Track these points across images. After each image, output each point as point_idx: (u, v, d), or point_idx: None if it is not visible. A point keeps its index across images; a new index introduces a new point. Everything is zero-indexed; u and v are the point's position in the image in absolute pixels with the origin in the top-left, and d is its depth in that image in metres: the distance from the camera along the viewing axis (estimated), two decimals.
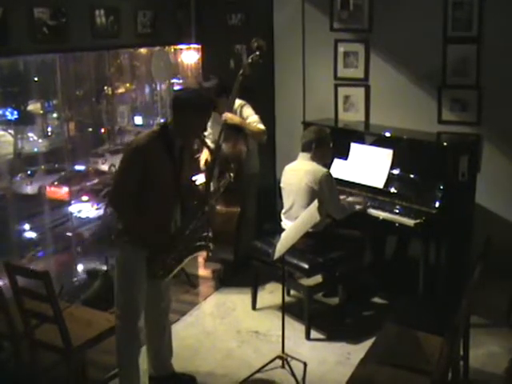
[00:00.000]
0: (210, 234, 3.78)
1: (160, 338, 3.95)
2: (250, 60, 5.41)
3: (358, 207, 4.90)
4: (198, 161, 5.37)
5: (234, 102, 5.41)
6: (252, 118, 5.41)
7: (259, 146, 5.65)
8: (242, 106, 5.47)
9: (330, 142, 4.80)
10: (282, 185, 4.91)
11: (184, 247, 3.66)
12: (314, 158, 4.72)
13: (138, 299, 3.60)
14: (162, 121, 12.96)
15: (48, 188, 9.54)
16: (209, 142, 5.60)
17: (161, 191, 3.53)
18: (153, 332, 3.88)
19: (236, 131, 5.39)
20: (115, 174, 3.60)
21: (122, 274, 3.61)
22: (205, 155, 5.48)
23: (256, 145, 5.63)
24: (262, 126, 5.40)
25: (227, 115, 5.32)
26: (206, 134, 5.71)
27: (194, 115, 3.48)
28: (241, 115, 5.44)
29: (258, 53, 5.42)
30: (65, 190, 10.33)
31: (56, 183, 10.08)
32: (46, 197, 8.62)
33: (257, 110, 5.49)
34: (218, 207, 5.38)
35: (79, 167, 10.42)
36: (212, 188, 5.59)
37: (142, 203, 3.48)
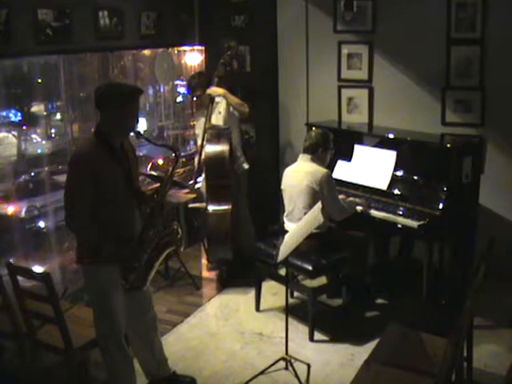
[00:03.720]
0: (176, 227, 3.64)
1: (148, 351, 3.85)
2: (222, 60, 5.57)
3: (358, 208, 4.90)
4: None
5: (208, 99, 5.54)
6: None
7: (265, 146, 5.71)
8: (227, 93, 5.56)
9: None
10: (282, 187, 4.91)
11: (151, 249, 3.49)
12: (314, 160, 4.72)
13: (119, 316, 3.51)
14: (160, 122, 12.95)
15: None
16: (199, 141, 5.68)
17: (117, 198, 3.39)
18: (140, 346, 3.80)
19: (218, 132, 5.44)
20: (66, 194, 3.35)
21: (98, 295, 3.50)
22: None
23: (239, 145, 5.76)
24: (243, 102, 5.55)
25: (211, 88, 5.47)
26: (196, 132, 5.81)
27: (118, 106, 3.33)
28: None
29: (228, 53, 5.66)
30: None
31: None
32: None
33: (260, 112, 5.54)
34: (210, 207, 5.41)
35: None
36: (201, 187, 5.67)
37: (101, 217, 3.33)
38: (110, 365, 3.59)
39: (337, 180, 4.97)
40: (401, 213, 4.79)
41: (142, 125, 12.41)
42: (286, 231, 4.59)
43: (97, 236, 3.34)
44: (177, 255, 5.64)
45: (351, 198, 4.97)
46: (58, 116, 6.74)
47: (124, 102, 3.35)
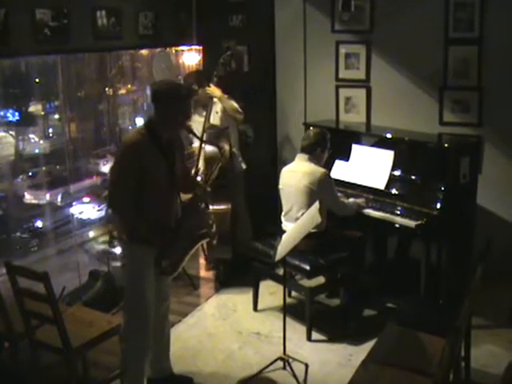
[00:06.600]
0: (212, 220, 3.79)
1: (160, 340, 3.92)
2: (221, 60, 5.58)
3: (358, 207, 4.90)
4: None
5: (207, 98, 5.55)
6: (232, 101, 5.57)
7: (261, 145, 5.71)
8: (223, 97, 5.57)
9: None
10: (280, 186, 4.91)
11: (187, 239, 3.66)
12: (312, 159, 4.72)
13: (148, 298, 3.60)
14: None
15: None
16: (196, 142, 5.67)
17: (158, 188, 3.52)
18: (154, 333, 3.82)
19: (218, 132, 5.44)
20: (111, 176, 3.60)
21: (131, 275, 3.63)
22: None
23: (238, 145, 5.76)
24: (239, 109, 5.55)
25: (210, 88, 5.48)
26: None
27: (173, 104, 3.48)
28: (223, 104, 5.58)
29: (228, 53, 5.67)
30: None
31: None
32: None
33: (258, 112, 5.53)
34: (210, 207, 5.41)
35: None
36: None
37: (141, 203, 3.48)
38: (127, 351, 3.65)
39: (335, 180, 4.96)
40: (398, 212, 4.80)
41: (140, 123, 12.37)
42: (284, 231, 4.59)
43: (134, 218, 3.51)
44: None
45: (352, 200, 4.96)
46: (56, 116, 6.75)
47: (179, 101, 3.50)
